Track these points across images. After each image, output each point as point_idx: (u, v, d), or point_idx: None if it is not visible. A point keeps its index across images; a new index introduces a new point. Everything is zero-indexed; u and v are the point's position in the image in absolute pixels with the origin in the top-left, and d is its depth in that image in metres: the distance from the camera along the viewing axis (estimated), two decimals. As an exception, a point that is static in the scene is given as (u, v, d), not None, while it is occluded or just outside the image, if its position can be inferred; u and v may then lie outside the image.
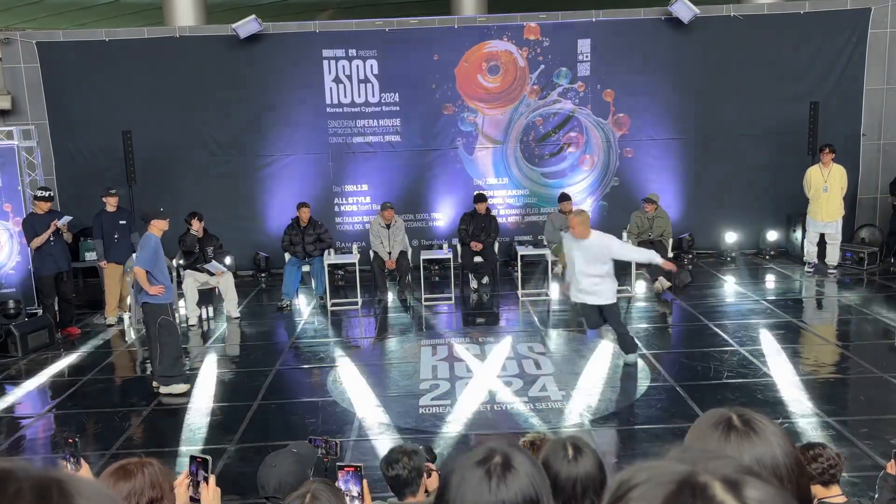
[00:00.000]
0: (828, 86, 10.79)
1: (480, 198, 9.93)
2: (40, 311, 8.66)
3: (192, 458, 2.43)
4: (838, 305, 8.88)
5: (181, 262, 8.99)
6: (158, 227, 6.51)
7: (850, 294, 9.14)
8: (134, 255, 7.90)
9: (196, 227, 8.85)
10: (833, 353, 7.09)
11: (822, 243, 9.94)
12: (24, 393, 6.86)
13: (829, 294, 9.30)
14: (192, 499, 2.41)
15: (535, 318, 8.54)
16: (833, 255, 9.89)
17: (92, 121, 10.57)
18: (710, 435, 1.46)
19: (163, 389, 6.39)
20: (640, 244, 9.43)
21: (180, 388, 6.45)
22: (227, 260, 9.21)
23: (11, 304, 8.52)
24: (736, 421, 1.46)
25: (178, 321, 6.95)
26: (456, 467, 1.27)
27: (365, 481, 2.60)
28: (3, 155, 9.02)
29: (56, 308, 8.61)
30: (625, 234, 9.68)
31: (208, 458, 2.42)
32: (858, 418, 5.53)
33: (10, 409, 6.50)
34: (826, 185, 9.66)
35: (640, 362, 6.80)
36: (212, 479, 2.43)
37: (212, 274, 8.90)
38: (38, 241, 8.32)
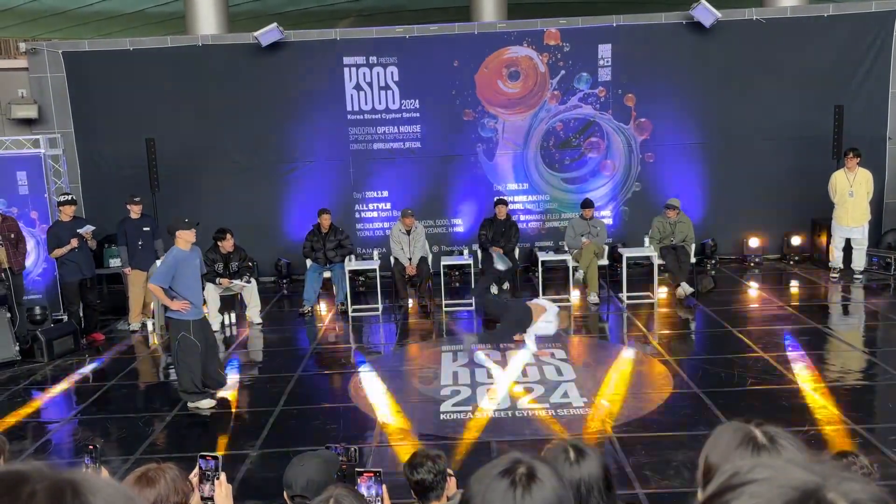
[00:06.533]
0: (852, 89, 10.65)
1: (501, 202, 9.91)
2: (65, 318, 8.76)
3: (203, 457, 2.45)
4: (865, 311, 8.74)
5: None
6: (185, 238, 6.20)
7: (876, 299, 9.00)
8: (158, 261, 7.95)
9: (227, 245, 8.87)
10: (860, 360, 6.97)
11: (847, 248, 9.80)
12: (50, 398, 6.95)
13: (855, 299, 9.16)
14: (203, 498, 2.43)
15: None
16: (859, 261, 9.74)
17: (116, 129, 10.71)
18: (736, 453, 1.41)
19: (189, 405, 6.39)
20: (661, 249, 9.38)
21: (205, 403, 6.38)
22: (251, 280, 9.13)
23: (38, 310, 8.65)
24: (761, 438, 1.42)
25: (207, 336, 6.55)
26: (480, 477, 1.26)
27: (385, 486, 2.60)
28: (30, 163, 9.16)
29: (81, 314, 8.71)
30: (647, 240, 9.63)
31: (218, 455, 2.44)
32: (886, 426, 5.44)
33: (37, 413, 6.58)
34: (852, 189, 9.53)
35: (664, 368, 6.75)
36: (223, 476, 2.44)
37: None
38: (59, 253, 8.40)
